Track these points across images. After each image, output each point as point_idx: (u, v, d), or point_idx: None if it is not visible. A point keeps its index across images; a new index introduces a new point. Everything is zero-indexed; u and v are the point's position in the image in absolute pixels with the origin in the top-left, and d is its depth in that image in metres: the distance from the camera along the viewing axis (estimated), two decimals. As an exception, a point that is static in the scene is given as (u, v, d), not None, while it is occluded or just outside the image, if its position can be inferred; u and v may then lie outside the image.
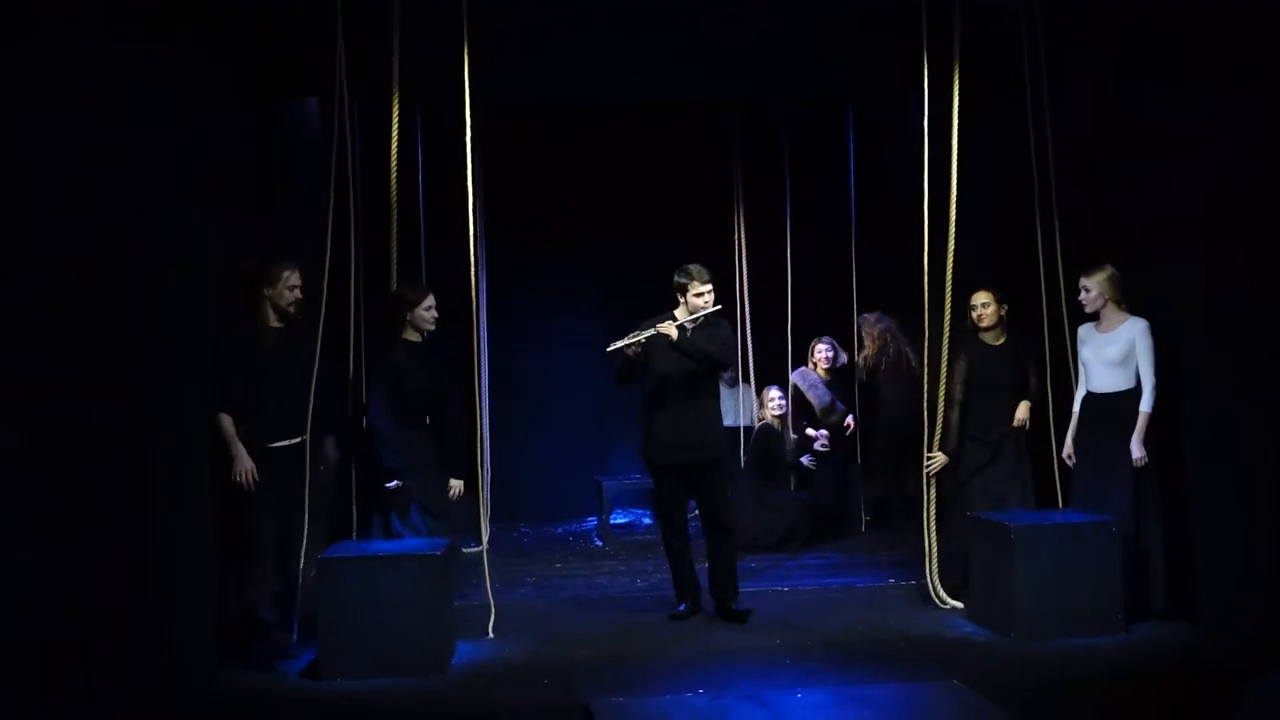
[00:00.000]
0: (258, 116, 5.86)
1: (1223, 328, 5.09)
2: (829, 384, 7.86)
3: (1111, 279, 5.37)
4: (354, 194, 5.60)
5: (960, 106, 5.56)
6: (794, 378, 7.92)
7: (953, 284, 5.63)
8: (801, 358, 8.06)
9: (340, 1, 5.19)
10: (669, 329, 5.38)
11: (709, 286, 5.49)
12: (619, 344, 5.39)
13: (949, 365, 5.75)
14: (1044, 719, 4.26)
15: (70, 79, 3.67)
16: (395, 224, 5.61)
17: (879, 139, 8.15)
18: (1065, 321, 5.76)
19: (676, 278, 5.52)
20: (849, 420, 7.78)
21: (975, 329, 5.87)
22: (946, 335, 5.70)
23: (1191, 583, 5.19)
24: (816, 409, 7.78)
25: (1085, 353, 5.50)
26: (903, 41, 5.65)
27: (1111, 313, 5.40)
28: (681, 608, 5.58)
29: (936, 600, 5.67)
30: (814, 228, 8.41)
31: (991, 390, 5.83)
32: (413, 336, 5.44)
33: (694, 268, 5.51)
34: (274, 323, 5.02)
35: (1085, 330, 5.53)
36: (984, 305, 5.83)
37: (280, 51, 5.78)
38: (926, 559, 5.74)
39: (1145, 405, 5.26)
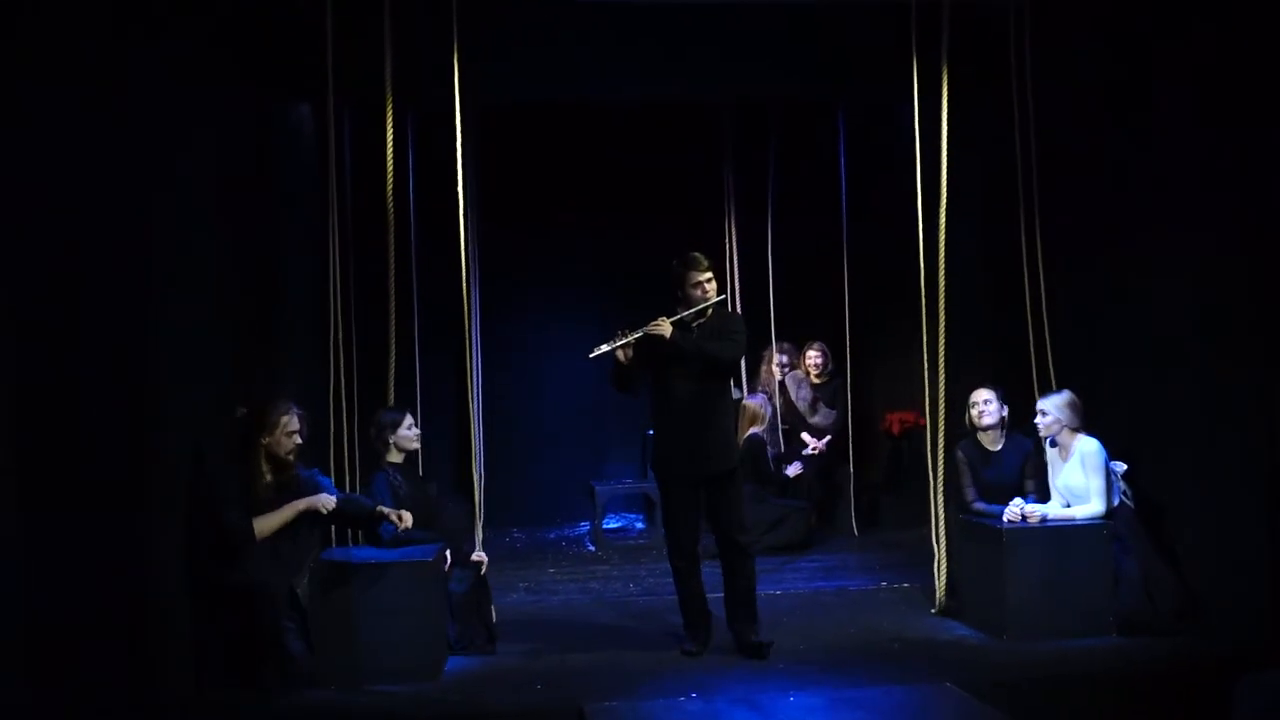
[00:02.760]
0: (252, 119, 5.85)
1: (1211, 326, 5.13)
2: (817, 388, 7.89)
3: (1070, 404, 5.28)
4: (341, 198, 5.59)
5: (949, 107, 5.57)
6: (786, 379, 7.95)
7: (944, 292, 5.60)
8: (792, 362, 8.08)
9: (330, 4, 5.18)
10: (663, 327, 4.85)
11: (708, 275, 4.98)
12: (603, 348, 4.91)
13: (952, 470, 5.56)
14: (1037, 720, 4.27)
15: (61, 77, 3.67)
16: (392, 233, 5.45)
17: (870, 141, 8.17)
18: (1045, 325, 5.76)
19: (674, 268, 5.03)
20: (817, 443, 7.79)
21: (973, 428, 5.60)
22: (942, 349, 5.59)
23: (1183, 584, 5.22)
24: (804, 412, 7.83)
25: (1056, 481, 5.37)
26: (893, 43, 5.66)
27: (1067, 438, 5.30)
28: (691, 646, 5.03)
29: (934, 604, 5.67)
30: (805, 230, 8.44)
31: (987, 498, 5.48)
32: (395, 458, 5.28)
33: (690, 255, 5.03)
34: (268, 475, 4.63)
35: (1052, 455, 5.40)
36: (985, 402, 5.49)
37: (271, 55, 5.78)
38: (935, 567, 5.70)
39: (1081, 515, 5.19)
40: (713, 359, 4.93)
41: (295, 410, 4.69)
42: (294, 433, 4.65)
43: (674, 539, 5.11)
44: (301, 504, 4.64)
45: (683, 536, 5.07)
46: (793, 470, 7.64)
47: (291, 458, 4.67)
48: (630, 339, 4.88)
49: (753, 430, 7.47)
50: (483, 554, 5.30)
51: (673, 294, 5.05)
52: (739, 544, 5.01)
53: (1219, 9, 4.96)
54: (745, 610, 5.02)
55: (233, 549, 4.47)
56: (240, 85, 5.51)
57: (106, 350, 3.91)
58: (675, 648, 5.10)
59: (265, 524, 4.56)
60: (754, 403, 7.54)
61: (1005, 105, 5.86)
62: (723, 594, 5.09)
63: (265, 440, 4.61)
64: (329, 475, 5.23)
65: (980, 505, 5.47)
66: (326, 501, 4.70)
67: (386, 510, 4.87)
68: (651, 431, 7.86)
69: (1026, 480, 5.51)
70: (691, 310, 4.95)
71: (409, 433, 5.29)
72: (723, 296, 5.09)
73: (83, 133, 3.80)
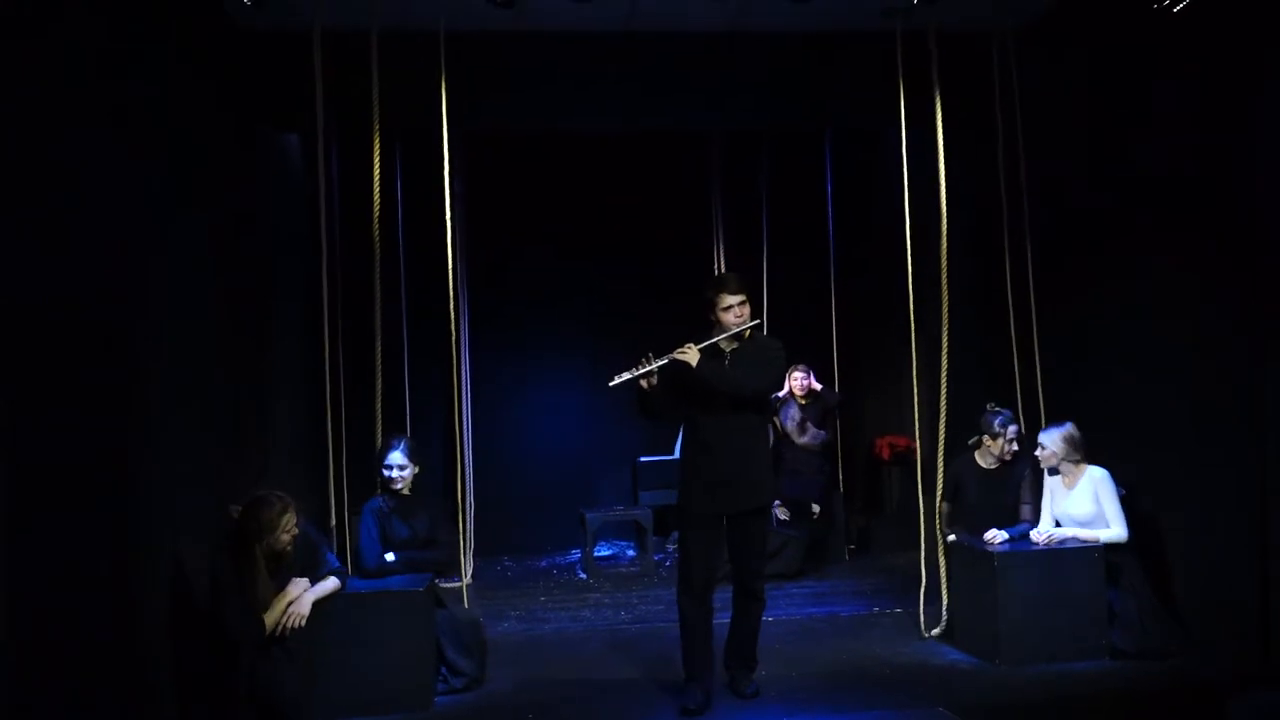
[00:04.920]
0: (241, 148, 5.87)
1: (1199, 344, 5.16)
2: (803, 409, 7.91)
3: (1067, 439, 5.29)
4: (330, 225, 5.59)
5: (932, 132, 5.61)
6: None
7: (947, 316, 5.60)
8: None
9: (319, 37, 5.21)
10: (689, 354, 4.58)
11: (740, 298, 4.65)
12: (624, 377, 4.55)
13: (942, 473, 5.56)
14: (1031, 745, 4.27)
15: (49, 107, 3.67)
16: (378, 265, 5.42)
17: (858, 166, 8.24)
18: (1036, 355, 5.81)
19: (705, 291, 4.75)
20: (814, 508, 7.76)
21: (977, 446, 5.64)
22: (944, 375, 5.57)
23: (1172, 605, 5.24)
24: (791, 432, 7.83)
25: (1056, 509, 5.38)
26: (880, 71, 5.71)
27: (1070, 469, 5.32)
28: (691, 703, 4.60)
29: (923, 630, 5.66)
30: (794, 255, 8.49)
31: (981, 516, 5.51)
32: (398, 487, 5.14)
33: (721, 277, 4.81)
34: (266, 569, 4.47)
35: (1053, 483, 5.42)
36: (1016, 437, 5.55)
37: (260, 86, 5.80)
38: (922, 593, 5.70)
39: (1105, 537, 5.18)
40: (736, 389, 4.62)
41: (291, 505, 4.53)
42: (292, 526, 4.49)
43: (686, 578, 4.75)
44: (305, 605, 4.52)
45: (696, 576, 4.71)
46: (784, 514, 7.60)
47: (289, 549, 4.51)
48: (654, 367, 4.56)
49: None
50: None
51: (704, 318, 4.75)
52: (753, 590, 4.82)
53: (1204, 21, 5.00)
54: (744, 657, 4.86)
55: (237, 644, 4.32)
56: (230, 112, 5.54)
57: (100, 371, 3.90)
58: (668, 676, 5.04)
59: (270, 618, 4.43)
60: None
61: (991, 125, 5.91)
62: (729, 622, 4.92)
63: (264, 541, 4.43)
64: (327, 497, 5.23)
65: (954, 538, 5.50)
66: (324, 592, 4.62)
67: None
68: (642, 460, 8.06)
69: (1023, 505, 5.52)
70: (722, 335, 4.66)
71: (387, 474, 5.09)
72: (758, 321, 4.79)
73: (80, 143, 3.81)
